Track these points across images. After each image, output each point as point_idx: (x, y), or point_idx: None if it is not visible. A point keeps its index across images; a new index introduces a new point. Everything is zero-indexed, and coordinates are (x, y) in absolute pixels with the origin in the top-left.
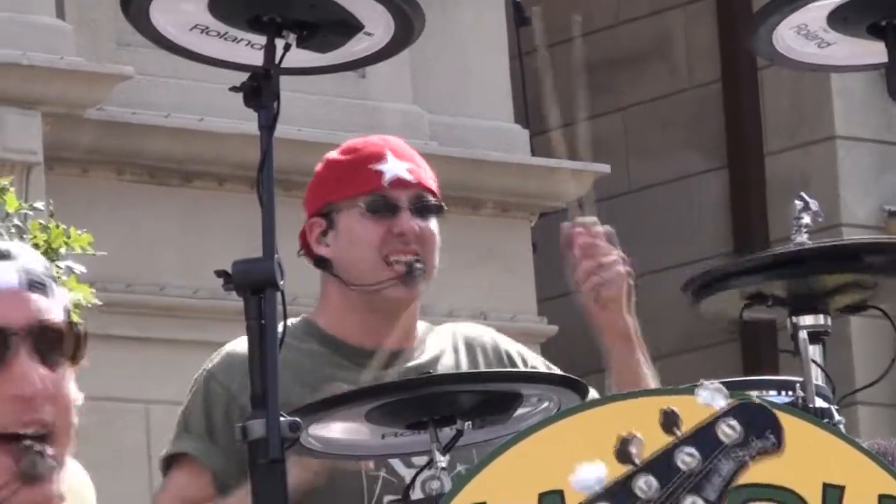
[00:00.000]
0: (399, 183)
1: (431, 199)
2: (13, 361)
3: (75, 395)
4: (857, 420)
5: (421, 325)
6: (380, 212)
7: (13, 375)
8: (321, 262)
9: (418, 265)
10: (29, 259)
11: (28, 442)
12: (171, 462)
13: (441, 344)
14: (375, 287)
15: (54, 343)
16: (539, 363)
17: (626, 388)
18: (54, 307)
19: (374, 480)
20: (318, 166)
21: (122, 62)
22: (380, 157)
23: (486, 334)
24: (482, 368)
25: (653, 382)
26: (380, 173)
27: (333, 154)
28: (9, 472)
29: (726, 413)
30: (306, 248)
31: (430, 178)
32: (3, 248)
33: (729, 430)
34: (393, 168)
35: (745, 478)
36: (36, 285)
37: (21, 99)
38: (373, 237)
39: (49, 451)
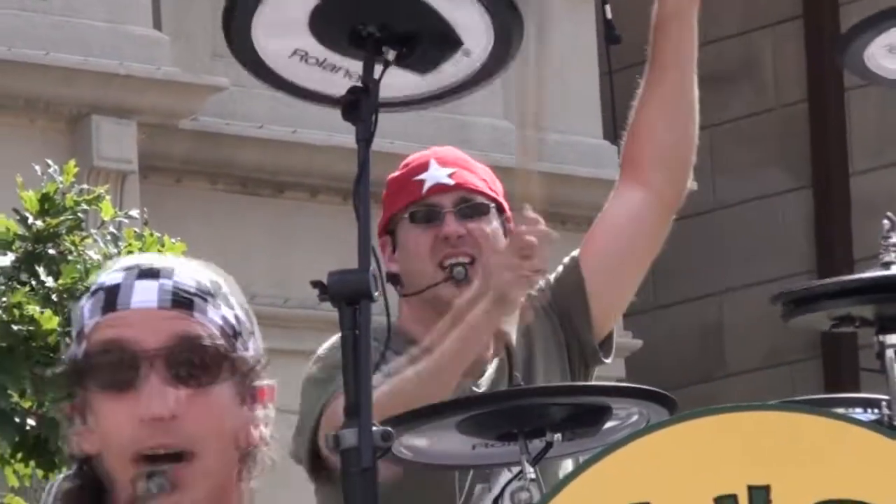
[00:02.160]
0: (439, 188)
1: (478, 198)
2: (143, 383)
3: (249, 415)
4: None
5: None
6: (423, 220)
7: (142, 397)
8: (392, 279)
9: (458, 268)
10: (181, 275)
11: (154, 466)
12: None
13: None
14: (422, 291)
15: (194, 363)
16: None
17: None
18: (201, 325)
19: (467, 495)
20: (395, 175)
21: (216, 73)
22: (423, 168)
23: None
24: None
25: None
26: (420, 182)
27: (393, 174)
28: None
29: None
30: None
31: (477, 180)
32: (154, 265)
33: None
34: (433, 175)
35: (827, 494)
36: (182, 303)
37: (117, 108)
38: (423, 245)
39: (176, 471)
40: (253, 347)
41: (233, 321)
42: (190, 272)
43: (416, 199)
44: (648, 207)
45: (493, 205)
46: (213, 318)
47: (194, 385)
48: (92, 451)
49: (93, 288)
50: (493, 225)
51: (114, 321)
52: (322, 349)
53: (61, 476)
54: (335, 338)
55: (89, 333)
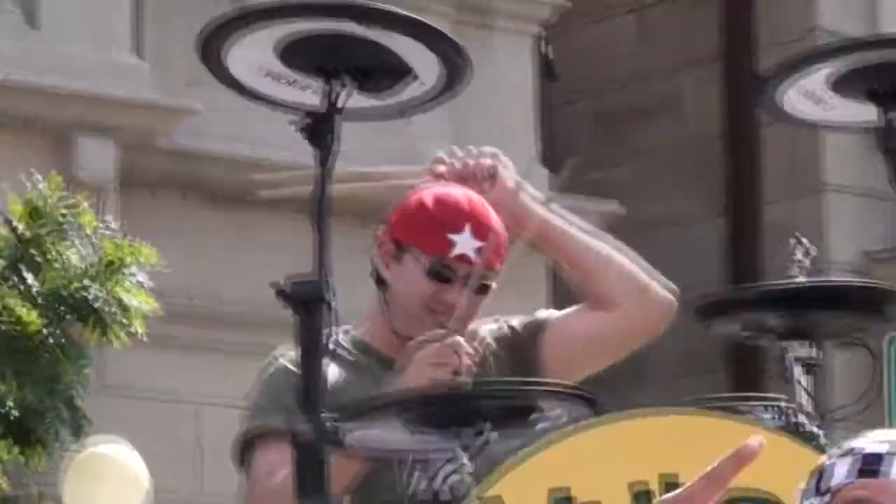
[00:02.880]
0: (463, 259)
1: (490, 279)
2: None
3: None
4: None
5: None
6: (436, 276)
7: None
8: (381, 283)
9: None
10: None
11: None
12: (248, 446)
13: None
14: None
15: None
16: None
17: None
18: None
19: (407, 479)
20: (415, 197)
21: (191, 98)
22: (457, 227)
23: (491, 335)
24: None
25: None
26: (451, 243)
27: (427, 197)
28: None
29: None
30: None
31: (498, 256)
32: None
33: None
34: (464, 243)
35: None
36: None
37: (98, 127)
38: (423, 291)
39: None
40: None
41: None
42: None
43: (441, 254)
44: (612, 330)
45: (496, 278)
46: None
47: None
48: None
49: (847, 449)
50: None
51: (867, 485)
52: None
53: None
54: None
55: (837, 490)
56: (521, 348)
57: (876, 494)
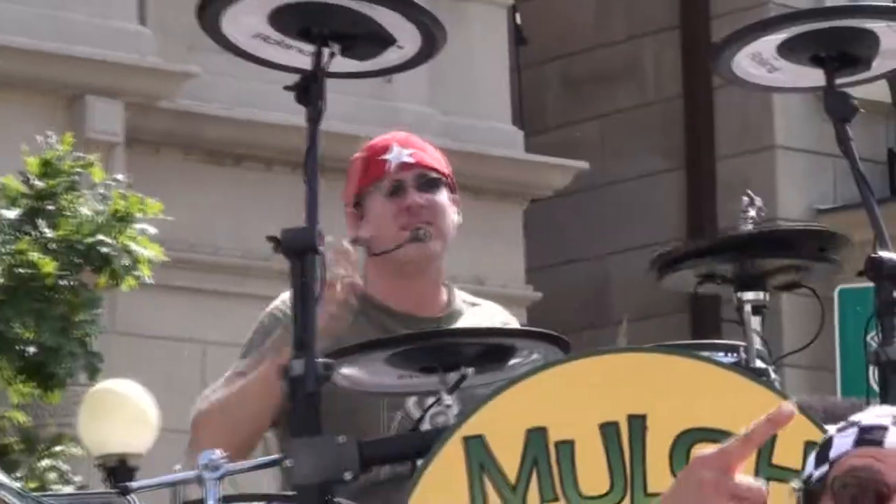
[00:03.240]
0: (403, 167)
1: (433, 174)
2: None
3: None
4: (785, 379)
5: (462, 296)
6: (392, 195)
7: None
8: (362, 241)
9: (420, 231)
10: None
11: None
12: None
13: (477, 321)
14: (393, 250)
15: None
16: None
17: None
18: None
19: (391, 419)
20: (358, 155)
21: (191, 63)
22: (386, 149)
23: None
24: None
25: None
26: (386, 161)
27: (357, 153)
28: None
29: None
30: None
31: (432, 159)
32: None
33: None
34: (397, 156)
35: (693, 423)
36: None
37: (106, 90)
38: (388, 214)
39: None
40: None
41: None
42: None
43: (382, 175)
44: None
45: (444, 180)
46: None
47: None
48: None
49: (849, 423)
50: (444, 196)
51: (866, 453)
52: (271, 305)
53: None
54: (274, 304)
55: (836, 459)
56: None
57: (874, 462)
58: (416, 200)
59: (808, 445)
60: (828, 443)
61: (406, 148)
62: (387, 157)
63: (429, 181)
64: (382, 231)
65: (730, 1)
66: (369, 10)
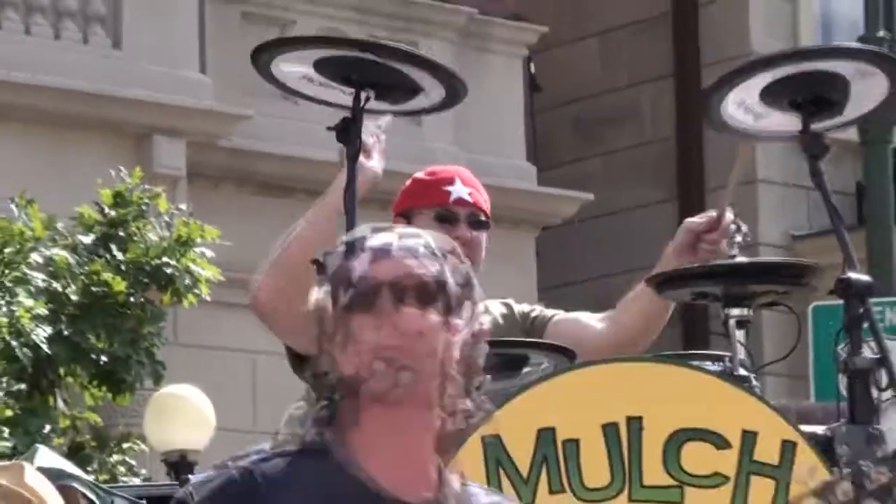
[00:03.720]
0: (461, 202)
1: (482, 217)
2: None
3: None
4: (765, 386)
5: None
6: (444, 221)
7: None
8: None
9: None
10: None
11: None
12: None
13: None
14: None
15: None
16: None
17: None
18: None
19: None
20: (408, 182)
21: (245, 106)
22: (450, 182)
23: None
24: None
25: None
26: (448, 193)
27: (419, 174)
28: None
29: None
30: None
31: (484, 202)
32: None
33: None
34: (458, 191)
35: (683, 424)
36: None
37: (171, 131)
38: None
39: None
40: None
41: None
42: None
43: (444, 203)
44: (608, 344)
45: (488, 222)
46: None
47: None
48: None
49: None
50: (484, 236)
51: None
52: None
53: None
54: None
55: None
56: (522, 331)
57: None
58: (465, 235)
59: (785, 444)
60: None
61: (467, 186)
62: (450, 188)
63: (478, 222)
64: None
65: (718, 52)
66: (398, 65)
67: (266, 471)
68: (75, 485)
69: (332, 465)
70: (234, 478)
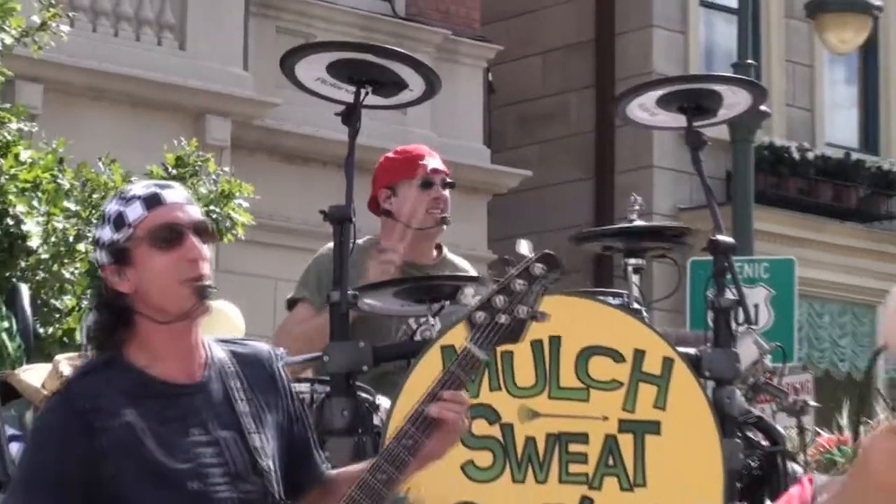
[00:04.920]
0: (436, 171)
1: (450, 180)
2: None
3: None
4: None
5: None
6: (427, 186)
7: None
8: (386, 213)
9: (446, 218)
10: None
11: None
12: (292, 304)
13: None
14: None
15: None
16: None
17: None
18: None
19: (396, 332)
20: (382, 160)
21: (274, 96)
22: (423, 157)
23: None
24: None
25: None
26: (426, 165)
27: (390, 154)
28: None
29: (537, 259)
30: (374, 206)
31: (447, 168)
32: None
33: (538, 270)
34: (431, 162)
35: (591, 342)
36: None
37: (219, 112)
38: (424, 201)
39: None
40: None
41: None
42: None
43: (425, 174)
44: None
45: (454, 183)
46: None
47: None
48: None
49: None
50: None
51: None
52: (317, 253)
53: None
54: (320, 252)
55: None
56: None
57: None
58: (442, 194)
59: (665, 360)
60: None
61: (434, 159)
62: (425, 162)
63: (449, 183)
64: (416, 209)
65: (628, 70)
66: (390, 65)
67: (75, 387)
68: None
69: (126, 370)
70: (58, 400)
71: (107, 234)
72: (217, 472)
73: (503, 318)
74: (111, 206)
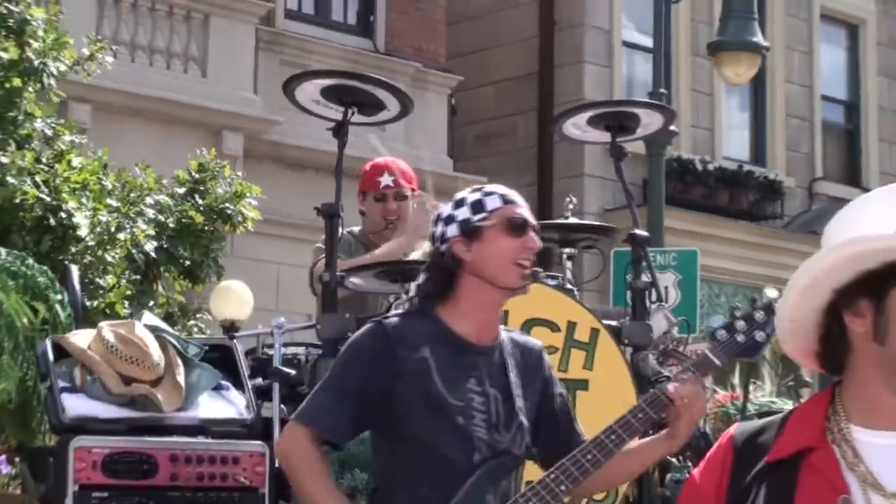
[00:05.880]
0: (388, 187)
1: (405, 191)
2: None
3: None
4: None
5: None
6: (379, 200)
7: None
8: (362, 213)
9: (390, 222)
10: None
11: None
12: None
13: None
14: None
15: None
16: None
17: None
18: None
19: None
20: (363, 170)
21: (278, 115)
22: (382, 172)
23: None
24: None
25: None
26: (379, 182)
27: (366, 166)
28: None
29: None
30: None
31: (405, 181)
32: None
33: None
34: (385, 180)
35: (533, 315)
36: None
37: (233, 128)
38: (379, 212)
39: None
40: None
41: None
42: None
43: (377, 189)
44: None
45: (410, 192)
46: None
47: None
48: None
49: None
50: (408, 202)
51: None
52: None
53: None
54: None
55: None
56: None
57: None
58: (392, 207)
59: (593, 330)
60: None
61: (392, 175)
62: (380, 179)
63: (401, 195)
64: (373, 216)
65: (565, 96)
66: (372, 90)
67: (392, 323)
68: (166, 336)
69: (433, 322)
70: (377, 327)
71: (464, 213)
72: (480, 417)
73: (741, 338)
74: (471, 195)
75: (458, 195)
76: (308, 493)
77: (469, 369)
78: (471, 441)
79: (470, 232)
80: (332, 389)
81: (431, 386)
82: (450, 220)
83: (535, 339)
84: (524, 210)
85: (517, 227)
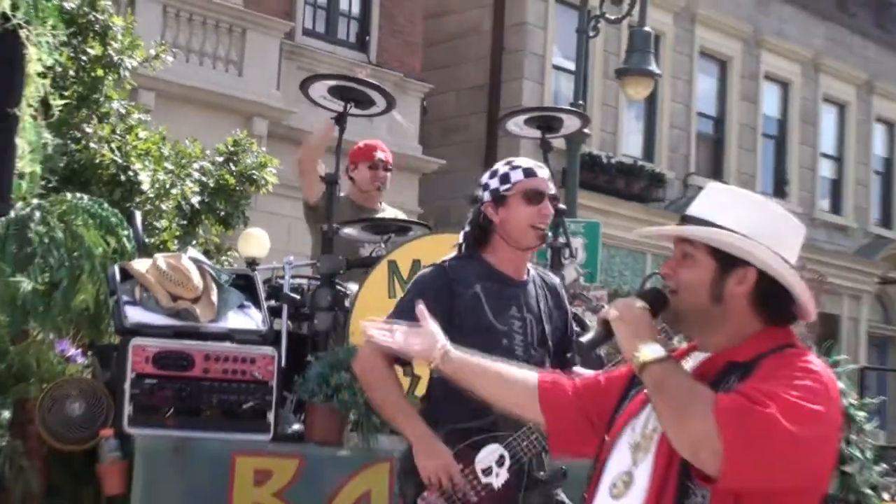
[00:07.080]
0: (380, 161)
1: (389, 166)
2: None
3: None
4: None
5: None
6: (373, 168)
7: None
8: (350, 179)
9: (379, 186)
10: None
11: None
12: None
13: (394, 214)
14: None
15: None
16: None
17: None
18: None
19: (363, 251)
20: (355, 147)
21: (294, 106)
22: (376, 149)
23: None
24: None
25: None
26: (375, 154)
27: (360, 144)
28: None
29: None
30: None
31: (390, 159)
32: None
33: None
34: (379, 154)
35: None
36: None
37: (260, 115)
38: (369, 178)
39: None
40: None
41: None
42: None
43: (373, 159)
44: None
45: (391, 168)
46: None
47: None
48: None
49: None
50: (388, 175)
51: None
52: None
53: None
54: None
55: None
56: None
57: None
58: (382, 175)
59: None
60: (507, 175)
61: (383, 153)
62: (375, 153)
63: (387, 168)
64: (364, 181)
65: (508, 102)
66: (365, 90)
67: (450, 265)
68: (204, 266)
69: (481, 263)
70: (439, 269)
71: (494, 183)
72: (519, 338)
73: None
74: (502, 168)
75: (494, 167)
76: (379, 403)
77: (511, 298)
78: (512, 357)
79: (497, 199)
80: (402, 315)
81: (482, 315)
82: (485, 187)
83: (555, 276)
84: (542, 181)
85: (534, 196)
